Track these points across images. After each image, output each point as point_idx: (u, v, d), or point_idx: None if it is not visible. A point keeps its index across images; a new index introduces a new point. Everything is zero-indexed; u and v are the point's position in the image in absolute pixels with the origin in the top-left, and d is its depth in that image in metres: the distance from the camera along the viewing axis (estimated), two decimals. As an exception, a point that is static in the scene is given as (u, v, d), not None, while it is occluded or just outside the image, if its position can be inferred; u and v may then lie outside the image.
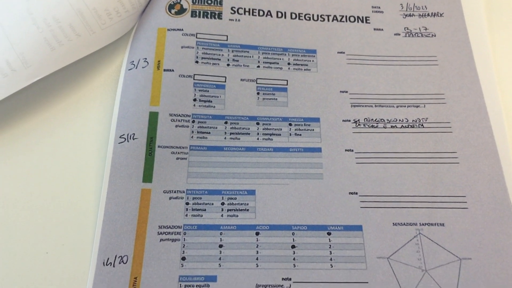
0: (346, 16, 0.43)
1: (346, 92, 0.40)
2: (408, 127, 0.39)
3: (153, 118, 0.37)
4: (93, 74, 0.40)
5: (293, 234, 0.35)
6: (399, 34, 0.42)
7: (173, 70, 0.39)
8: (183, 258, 0.34)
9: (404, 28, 0.43)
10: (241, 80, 0.40)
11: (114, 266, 0.33)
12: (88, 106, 0.39)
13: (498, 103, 0.39)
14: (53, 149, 0.37)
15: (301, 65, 0.41)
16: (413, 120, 0.39)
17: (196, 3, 0.42)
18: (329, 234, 0.35)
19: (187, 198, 0.36)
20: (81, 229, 0.35)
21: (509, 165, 0.37)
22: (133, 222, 0.34)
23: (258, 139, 0.38)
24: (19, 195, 0.36)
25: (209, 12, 0.42)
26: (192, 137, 0.38)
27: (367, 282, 0.33)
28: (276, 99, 0.39)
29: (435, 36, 0.42)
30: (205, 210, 0.35)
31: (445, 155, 0.37)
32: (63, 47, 0.38)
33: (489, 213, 0.35)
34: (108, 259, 0.33)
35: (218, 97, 0.39)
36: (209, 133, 0.38)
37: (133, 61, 0.40)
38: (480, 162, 0.37)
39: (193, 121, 0.38)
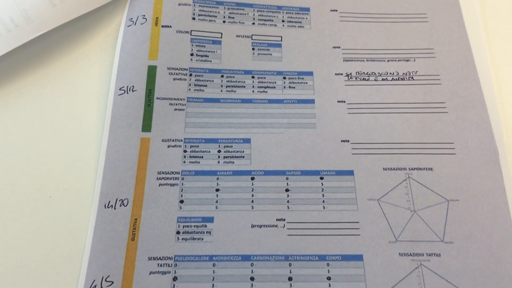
0: (338, -24, 0.44)
1: (339, 47, 0.41)
2: (398, 79, 0.40)
3: (152, 71, 0.39)
4: (93, 32, 0.42)
5: (287, 179, 0.36)
6: (390, -7, 0.44)
7: (170, 26, 0.40)
8: (181, 201, 0.35)
9: (395, -13, 0.44)
10: (237, 36, 0.41)
11: (115, 209, 0.35)
12: (88, 61, 0.41)
13: (485, 56, 0.40)
14: (56, 101, 0.39)
15: (295, 22, 0.42)
16: (403, 73, 0.40)
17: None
18: (321, 178, 0.36)
19: (185, 146, 0.37)
20: (83, 175, 0.36)
21: (496, 114, 0.38)
22: (133, 168, 0.36)
23: (253, 91, 0.39)
24: (24, 144, 0.37)
25: (205, -29, 0.43)
26: (189, 89, 0.39)
27: (358, 222, 0.35)
28: (271, 54, 0.41)
29: (425, -6, 0.44)
30: (202, 157, 0.37)
31: (434, 105, 0.39)
32: (64, 3, 0.39)
33: (476, 158, 0.37)
34: (109, 202, 0.35)
35: (214, 52, 0.40)
36: (206, 85, 0.39)
37: (132, 18, 0.41)
38: (468, 112, 0.38)
39: (190, 75, 0.39)
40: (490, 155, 0.37)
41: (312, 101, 0.39)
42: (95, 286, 0.32)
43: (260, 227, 0.34)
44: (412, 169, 0.36)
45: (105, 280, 0.32)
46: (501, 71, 0.40)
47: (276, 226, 0.34)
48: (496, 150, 0.37)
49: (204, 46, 0.40)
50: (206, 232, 0.34)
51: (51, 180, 0.36)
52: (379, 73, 0.40)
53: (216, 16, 0.42)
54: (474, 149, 0.37)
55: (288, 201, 0.35)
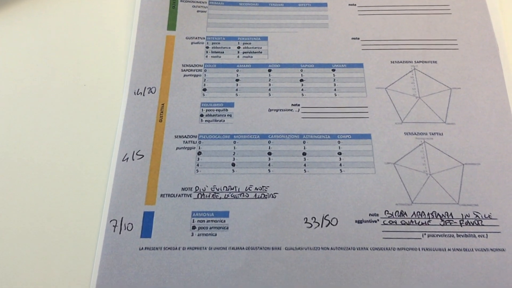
0: None
1: (350, -42, 0.44)
2: (406, -15, 0.43)
3: (176, -23, 0.42)
4: None
5: (301, 70, 0.39)
6: None
7: None
8: (204, 89, 0.38)
9: None
10: None
11: (144, 95, 0.38)
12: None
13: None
14: (90, 2, 0.42)
15: None
16: (410, -20, 0.43)
17: None
18: (333, 70, 0.39)
19: (207, 43, 0.40)
20: (114, 67, 0.39)
21: (496, 14, 0.41)
22: (159, 61, 0.39)
23: (270, -4, 0.42)
24: (62, 39, 0.41)
25: None
26: (210, -6, 0.42)
27: (367, 107, 0.38)
28: (285, -36, 0.44)
29: None
30: (223, 52, 0.40)
31: (439, 7, 0.41)
32: None
33: (478, 53, 0.39)
34: (138, 89, 0.38)
35: (232, -38, 0.43)
36: (226, -9, 0.42)
37: None
38: (471, 13, 0.41)
39: (211, -19, 0.42)
40: (491, 50, 0.39)
41: (325, 5, 0.42)
42: (127, 158, 0.36)
43: (277, 111, 0.37)
44: (417, 62, 0.39)
45: (136, 154, 0.36)
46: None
47: (291, 110, 0.37)
48: (496, 45, 0.39)
49: (223, -44, 0.43)
50: (227, 115, 0.37)
51: (85, 70, 0.39)
52: (387, -20, 0.43)
53: None
54: (476, 45, 0.40)
55: (302, 90, 0.38)
